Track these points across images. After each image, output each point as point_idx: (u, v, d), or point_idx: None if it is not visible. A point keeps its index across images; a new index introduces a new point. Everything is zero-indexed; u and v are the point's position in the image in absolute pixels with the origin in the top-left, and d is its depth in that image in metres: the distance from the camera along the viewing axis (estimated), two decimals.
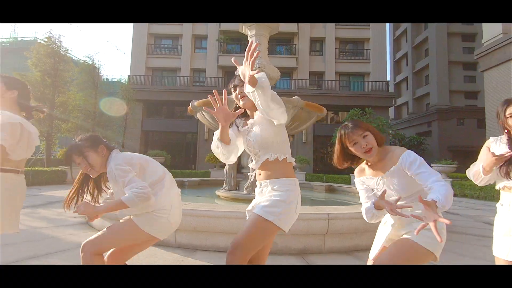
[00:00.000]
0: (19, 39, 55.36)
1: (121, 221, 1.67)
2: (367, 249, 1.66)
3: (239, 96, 1.59)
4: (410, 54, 32.03)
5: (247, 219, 1.56)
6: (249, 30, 6.62)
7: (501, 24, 12.83)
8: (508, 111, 1.57)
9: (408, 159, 1.40)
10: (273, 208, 1.43)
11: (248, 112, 1.66)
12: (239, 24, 6.88)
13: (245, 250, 1.39)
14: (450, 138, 25.11)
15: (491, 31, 13.55)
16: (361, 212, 1.55)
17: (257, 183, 1.60)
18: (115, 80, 27.34)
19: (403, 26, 34.16)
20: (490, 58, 13.23)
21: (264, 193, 1.53)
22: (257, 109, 1.54)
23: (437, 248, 1.36)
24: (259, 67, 6.29)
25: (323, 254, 3.02)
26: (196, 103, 5.46)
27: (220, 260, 2.64)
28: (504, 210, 1.57)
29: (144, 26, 23.06)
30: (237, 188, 5.66)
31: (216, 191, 5.47)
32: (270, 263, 1.95)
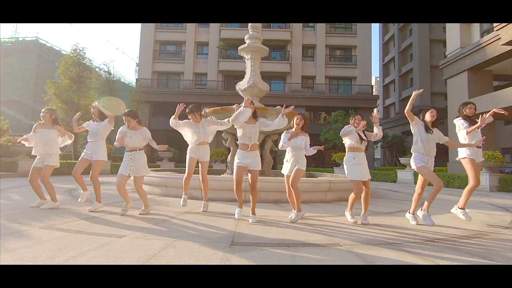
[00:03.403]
0: (20, 39, 56.44)
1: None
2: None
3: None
4: (397, 58, 34.30)
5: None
6: (246, 54, 8.83)
7: (459, 38, 15.06)
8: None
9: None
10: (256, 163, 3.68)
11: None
12: (239, 49, 9.07)
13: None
14: None
15: (452, 44, 15.73)
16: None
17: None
18: (126, 82, 29.24)
19: (391, 31, 36.42)
20: (451, 68, 15.44)
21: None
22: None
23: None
24: (253, 83, 8.55)
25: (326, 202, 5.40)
26: (207, 110, 7.67)
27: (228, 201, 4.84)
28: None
29: (150, 33, 25.12)
30: None
31: (222, 175, 7.66)
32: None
